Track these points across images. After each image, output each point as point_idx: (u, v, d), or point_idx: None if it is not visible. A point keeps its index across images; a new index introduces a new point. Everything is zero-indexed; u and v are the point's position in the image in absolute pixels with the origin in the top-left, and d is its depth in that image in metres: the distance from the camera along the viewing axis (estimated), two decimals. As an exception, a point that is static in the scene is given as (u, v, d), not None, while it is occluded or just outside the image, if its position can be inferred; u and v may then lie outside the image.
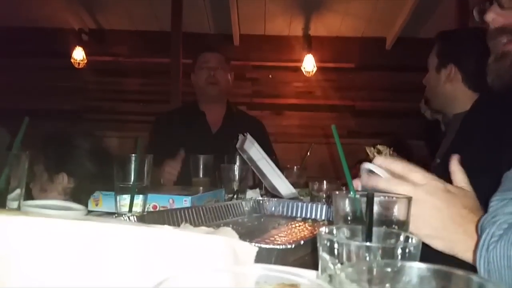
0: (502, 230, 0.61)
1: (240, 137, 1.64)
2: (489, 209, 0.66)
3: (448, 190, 0.75)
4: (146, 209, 1.13)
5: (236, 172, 1.55)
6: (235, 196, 1.48)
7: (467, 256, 0.71)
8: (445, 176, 0.80)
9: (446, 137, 1.70)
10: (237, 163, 1.65)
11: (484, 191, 0.73)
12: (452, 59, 1.64)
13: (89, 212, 1.23)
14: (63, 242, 0.47)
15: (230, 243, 0.51)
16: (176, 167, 1.95)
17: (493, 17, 0.87)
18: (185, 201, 1.23)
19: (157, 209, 1.22)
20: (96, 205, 1.27)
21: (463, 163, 1.19)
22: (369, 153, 1.68)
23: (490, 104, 1.12)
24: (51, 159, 1.45)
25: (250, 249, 0.52)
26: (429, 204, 0.72)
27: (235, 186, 1.54)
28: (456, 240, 0.72)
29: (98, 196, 1.26)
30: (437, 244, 0.73)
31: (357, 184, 0.76)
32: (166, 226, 0.60)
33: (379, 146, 1.67)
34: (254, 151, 1.49)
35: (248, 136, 1.55)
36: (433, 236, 0.72)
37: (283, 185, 1.45)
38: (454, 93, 1.65)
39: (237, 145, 1.64)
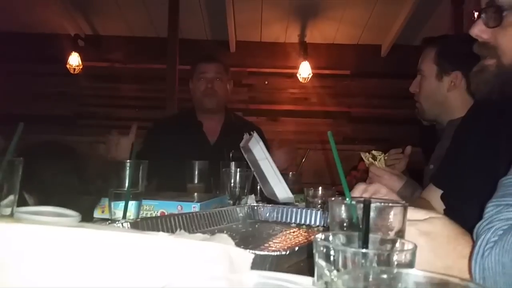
0: (497, 237, 0.61)
1: (246, 135, 1.63)
2: (485, 215, 0.66)
3: (423, 232, 0.67)
4: (140, 216, 1.12)
5: (238, 178, 1.53)
6: (237, 202, 1.47)
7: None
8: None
9: (440, 144, 1.68)
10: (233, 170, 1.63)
11: (479, 196, 0.73)
12: (457, 66, 1.58)
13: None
14: (57, 249, 0.46)
15: (226, 249, 0.51)
16: (128, 142, 1.84)
17: (476, 33, 0.93)
18: (194, 207, 1.22)
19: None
20: (102, 212, 1.23)
21: (459, 169, 1.19)
22: (364, 158, 1.69)
23: (486, 110, 1.12)
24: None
25: (246, 256, 0.52)
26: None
27: (237, 192, 1.52)
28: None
29: (105, 203, 1.21)
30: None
31: None
32: (161, 233, 0.60)
33: (374, 152, 1.67)
34: (258, 149, 1.48)
35: (255, 135, 1.54)
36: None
37: (282, 189, 1.45)
38: (455, 101, 1.60)
39: (241, 144, 1.63)
